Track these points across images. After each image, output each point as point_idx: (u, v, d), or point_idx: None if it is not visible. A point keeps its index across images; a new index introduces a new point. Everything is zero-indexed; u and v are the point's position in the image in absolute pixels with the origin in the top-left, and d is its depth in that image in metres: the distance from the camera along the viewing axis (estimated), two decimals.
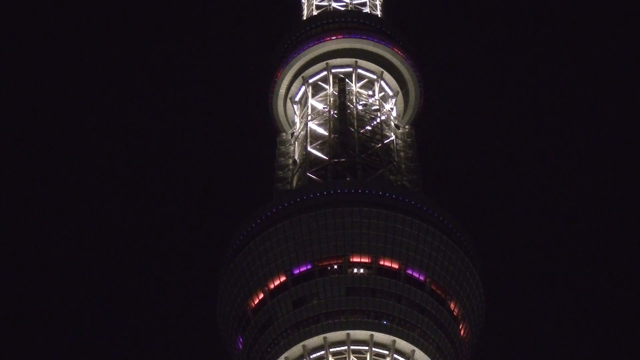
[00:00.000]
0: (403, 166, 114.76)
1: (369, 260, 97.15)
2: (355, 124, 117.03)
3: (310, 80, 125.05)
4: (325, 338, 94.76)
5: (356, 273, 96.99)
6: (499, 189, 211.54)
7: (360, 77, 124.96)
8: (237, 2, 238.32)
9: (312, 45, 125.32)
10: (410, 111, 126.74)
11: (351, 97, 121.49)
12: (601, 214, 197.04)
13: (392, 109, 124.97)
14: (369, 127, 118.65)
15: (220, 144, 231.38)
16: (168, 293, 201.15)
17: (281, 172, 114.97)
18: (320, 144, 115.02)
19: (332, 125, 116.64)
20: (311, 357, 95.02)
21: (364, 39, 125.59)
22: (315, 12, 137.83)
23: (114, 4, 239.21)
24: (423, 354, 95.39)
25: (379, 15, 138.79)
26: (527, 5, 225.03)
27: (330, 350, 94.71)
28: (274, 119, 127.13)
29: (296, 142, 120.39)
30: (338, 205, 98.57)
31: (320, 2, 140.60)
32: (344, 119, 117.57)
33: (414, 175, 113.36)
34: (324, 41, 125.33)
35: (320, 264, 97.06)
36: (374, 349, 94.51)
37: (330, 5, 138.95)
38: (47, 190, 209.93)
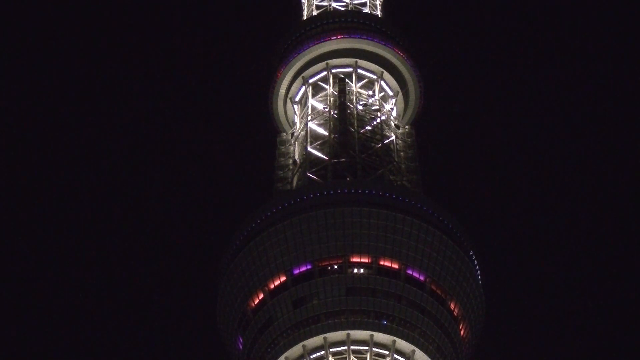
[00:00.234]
0: (403, 166, 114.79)
1: (369, 260, 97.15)
2: (355, 124, 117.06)
3: (311, 80, 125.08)
4: (325, 338, 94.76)
5: (356, 273, 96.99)
6: (499, 189, 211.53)
7: (360, 77, 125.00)
8: (237, 2, 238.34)
9: (312, 45, 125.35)
10: (410, 111, 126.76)
11: (351, 97, 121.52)
12: (601, 214, 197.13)
13: (392, 109, 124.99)
14: (369, 127, 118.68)
15: (220, 144, 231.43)
16: (168, 293, 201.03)
17: (281, 172, 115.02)
18: (320, 144, 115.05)
19: (332, 125, 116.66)
20: (311, 357, 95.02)
21: (364, 39, 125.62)
22: (315, 12, 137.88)
23: (114, 4, 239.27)
24: (423, 354, 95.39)
25: (379, 15, 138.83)
26: (527, 5, 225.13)
27: (330, 350, 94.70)
28: (274, 119, 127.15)
29: (296, 142, 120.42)
30: (338, 205, 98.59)
31: (320, 2, 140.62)
32: (344, 119, 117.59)
33: (414, 175, 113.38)
34: (324, 41, 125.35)
35: (320, 264, 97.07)
36: (374, 349, 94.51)
37: (330, 5, 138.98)
38: (47, 191, 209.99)
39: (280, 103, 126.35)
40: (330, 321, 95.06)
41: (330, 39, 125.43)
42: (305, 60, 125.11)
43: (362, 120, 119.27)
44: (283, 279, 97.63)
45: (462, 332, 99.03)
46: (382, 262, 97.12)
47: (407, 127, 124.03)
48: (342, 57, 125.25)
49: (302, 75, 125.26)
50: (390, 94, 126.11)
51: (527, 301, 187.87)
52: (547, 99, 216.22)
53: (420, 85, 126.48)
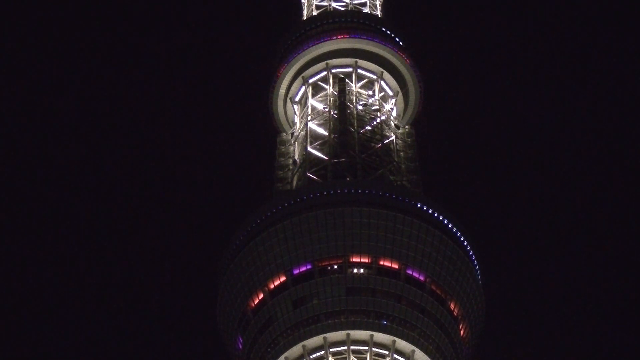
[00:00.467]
0: (403, 166, 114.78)
1: (369, 260, 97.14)
2: (355, 124, 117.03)
3: (310, 80, 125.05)
4: (325, 338, 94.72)
5: (356, 273, 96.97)
6: (499, 189, 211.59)
7: (360, 77, 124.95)
8: (238, 2, 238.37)
9: (312, 45, 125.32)
10: (410, 111, 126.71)
11: (351, 97, 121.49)
12: (601, 214, 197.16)
13: (392, 109, 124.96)
14: (369, 127, 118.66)
15: (220, 144, 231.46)
16: (168, 293, 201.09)
17: (281, 172, 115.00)
18: (320, 144, 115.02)
19: (332, 125, 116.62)
20: (311, 357, 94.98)
21: (364, 39, 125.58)
22: (315, 12, 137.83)
23: (113, 4, 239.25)
24: (423, 354, 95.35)
25: (379, 15, 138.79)
26: (527, 5, 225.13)
27: (330, 350, 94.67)
28: (274, 119, 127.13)
29: (296, 142, 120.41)
30: (338, 205, 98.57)
31: (320, 2, 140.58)
32: (344, 119, 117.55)
33: (414, 175, 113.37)
34: (324, 41, 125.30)
35: (320, 264, 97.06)
36: (374, 349, 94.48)
37: (330, 5, 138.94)
38: (47, 191, 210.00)
39: (280, 103, 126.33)
40: (330, 321, 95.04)
41: (330, 39, 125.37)
42: (305, 60, 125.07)
43: (362, 120, 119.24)
44: (283, 279, 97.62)
45: (462, 332, 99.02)
46: (382, 262, 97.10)
47: (407, 127, 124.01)
48: (342, 57, 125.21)
49: (302, 75, 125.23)
50: (390, 94, 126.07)
51: (527, 301, 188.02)
52: (547, 99, 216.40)
53: (420, 85, 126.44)
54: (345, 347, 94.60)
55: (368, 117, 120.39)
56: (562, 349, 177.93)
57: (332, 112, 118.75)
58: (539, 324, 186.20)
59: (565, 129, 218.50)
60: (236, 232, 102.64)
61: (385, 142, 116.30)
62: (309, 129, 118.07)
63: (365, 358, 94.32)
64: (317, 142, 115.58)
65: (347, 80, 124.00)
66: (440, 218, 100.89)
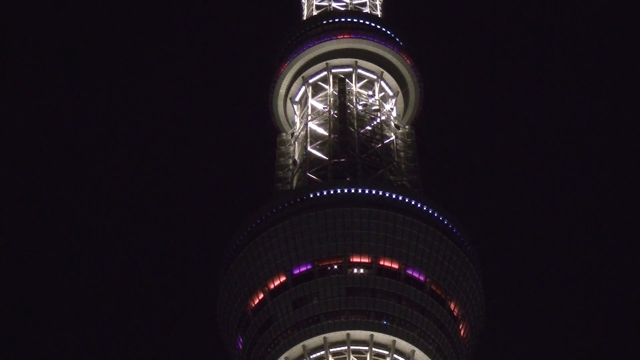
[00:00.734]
0: (403, 166, 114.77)
1: (369, 260, 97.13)
2: (355, 124, 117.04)
3: (310, 80, 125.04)
4: (325, 338, 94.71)
5: (356, 273, 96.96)
6: (499, 189, 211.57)
7: (360, 77, 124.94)
8: (238, 2, 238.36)
9: (312, 45, 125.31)
10: (410, 111, 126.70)
11: (351, 97, 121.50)
12: (601, 214, 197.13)
13: (392, 109, 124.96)
14: (369, 127, 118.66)
15: (220, 144, 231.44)
16: (168, 293, 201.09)
17: (281, 172, 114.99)
18: (320, 144, 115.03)
19: (332, 125, 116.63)
20: (311, 357, 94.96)
21: (364, 39, 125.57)
22: (315, 12, 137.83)
23: (113, 4, 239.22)
24: (423, 354, 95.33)
25: (379, 15, 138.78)
26: (526, 5, 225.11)
27: (330, 350, 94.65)
28: (274, 119, 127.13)
29: (296, 142, 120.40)
30: (338, 205, 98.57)
31: (320, 2, 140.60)
32: (344, 119, 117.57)
33: (414, 176, 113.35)
34: (324, 41, 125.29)
35: (320, 264, 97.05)
36: (374, 349, 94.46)
37: (330, 5, 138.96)
38: (47, 191, 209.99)
39: (280, 103, 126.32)
40: (330, 321, 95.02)
41: (330, 39, 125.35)
42: (305, 60, 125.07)
43: (362, 120, 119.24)
44: (283, 279, 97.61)
45: (462, 332, 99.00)
46: (382, 262, 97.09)
47: (407, 127, 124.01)
48: (342, 57, 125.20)
49: (302, 75, 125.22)
50: (390, 94, 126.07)
51: (527, 301, 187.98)
52: (547, 99, 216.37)
53: (420, 85, 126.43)
54: (346, 347, 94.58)
55: (368, 117, 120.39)
56: (562, 349, 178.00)
57: (332, 112, 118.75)
58: (539, 324, 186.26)
59: (566, 128, 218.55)
60: (236, 232, 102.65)
61: (385, 142, 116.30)
62: (309, 129, 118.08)
63: (366, 358, 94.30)
64: (317, 142, 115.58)
65: (347, 80, 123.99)
66: (440, 218, 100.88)
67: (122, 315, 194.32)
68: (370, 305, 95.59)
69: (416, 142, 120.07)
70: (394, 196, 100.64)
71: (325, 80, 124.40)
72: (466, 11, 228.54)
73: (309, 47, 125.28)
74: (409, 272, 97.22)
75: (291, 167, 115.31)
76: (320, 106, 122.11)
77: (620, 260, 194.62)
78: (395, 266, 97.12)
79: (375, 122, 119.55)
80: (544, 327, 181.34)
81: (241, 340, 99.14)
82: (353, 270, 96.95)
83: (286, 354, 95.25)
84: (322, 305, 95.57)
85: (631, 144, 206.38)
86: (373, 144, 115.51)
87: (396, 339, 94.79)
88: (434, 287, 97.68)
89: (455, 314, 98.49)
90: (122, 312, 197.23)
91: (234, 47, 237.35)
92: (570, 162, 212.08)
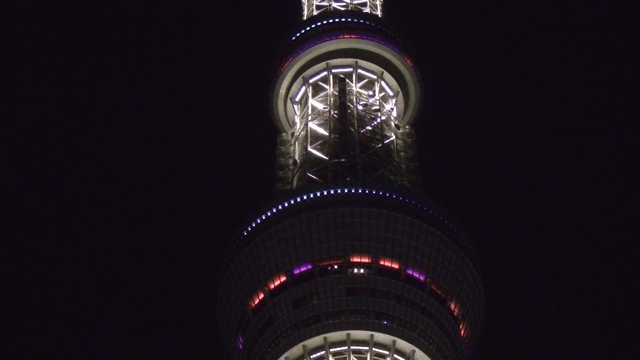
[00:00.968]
0: (403, 166, 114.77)
1: (369, 260, 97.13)
2: (356, 124, 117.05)
3: (311, 80, 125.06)
4: (325, 338, 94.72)
5: (356, 273, 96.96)
6: (499, 188, 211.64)
7: (360, 77, 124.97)
8: (237, 2, 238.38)
9: (312, 45, 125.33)
10: (410, 111, 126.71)
11: (351, 97, 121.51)
12: (601, 214, 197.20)
13: (392, 109, 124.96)
14: (369, 127, 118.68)
15: (220, 144, 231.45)
16: (168, 293, 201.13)
17: (281, 172, 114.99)
18: (320, 144, 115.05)
19: (332, 125, 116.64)
20: (311, 357, 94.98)
21: (365, 39, 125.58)
22: (315, 12, 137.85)
23: (114, 4, 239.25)
24: (423, 354, 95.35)
25: (379, 15, 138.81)
26: (526, 5, 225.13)
27: (331, 350, 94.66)
28: (274, 119, 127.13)
29: (296, 142, 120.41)
30: (338, 205, 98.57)
31: (320, 2, 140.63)
32: (344, 119, 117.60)
33: (414, 175, 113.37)
34: (324, 41, 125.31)
35: (320, 264, 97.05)
36: (374, 349, 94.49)
37: (330, 5, 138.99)
38: (47, 190, 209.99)
39: (280, 103, 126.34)
40: (330, 321, 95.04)
41: (331, 39, 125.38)
42: (305, 60, 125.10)
43: (362, 120, 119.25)
44: (283, 279, 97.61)
45: (462, 332, 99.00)
46: (382, 262, 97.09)
47: (407, 127, 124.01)
48: (342, 57, 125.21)
49: (302, 75, 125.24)
50: (391, 94, 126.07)
51: (527, 301, 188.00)
52: (547, 99, 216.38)
53: (421, 85, 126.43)
54: (346, 347, 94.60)
55: (368, 117, 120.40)
56: (562, 349, 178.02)
57: (332, 112, 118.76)
58: (539, 324, 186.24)
59: (566, 128, 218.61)
60: (236, 232, 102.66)
61: (385, 142, 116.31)
62: (309, 129, 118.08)
63: (366, 358, 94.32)
64: (317, 142, 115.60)
65: (347, 80, 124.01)
66: (440, 218, 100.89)
67: (122, 315, 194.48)
68: (371, 305, 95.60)
69: (416, 142, 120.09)
70: (394, 196, 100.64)
71: (325, 80, 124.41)
72: (466, 11, 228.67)
73: (309, 47, 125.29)
74: (409, 272, 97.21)
75: (291, 167, 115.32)
76: (320, 106, 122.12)
77: (620, 260, 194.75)
78: (396, 266, 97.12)
79: (375, 122, 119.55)
80: (544, 327, 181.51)
81: (241, 340, 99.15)
82: (353, 270, 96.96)
83: (286, 354, 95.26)
84: (322, 305, 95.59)
85: (631, 144, 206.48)
86: (373, 144, 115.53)
87: (396, 339, 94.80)
88: (434, 287, 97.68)
89: (455, 314, 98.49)
90: (122, 312, 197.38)
91: (234, 47, 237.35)
92: (570, 162, 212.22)
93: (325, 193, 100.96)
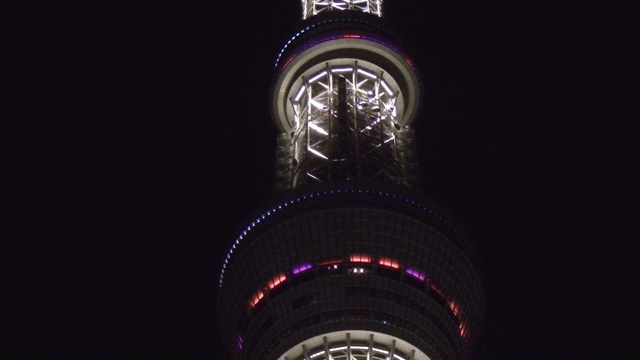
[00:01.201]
0: (403, 166, 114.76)
1: (369, 260, 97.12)
2: (355, 124, 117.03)
3: (310, 80, 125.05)
4: (325, 338, 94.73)
5: (356, 273, 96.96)
6: (499, 188, 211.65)
7: (360, 77, 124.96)
8: (237, 2, 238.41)
9: (312, 45, 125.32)
10: (410, 111, 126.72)
11: (351, 97, 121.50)
12: (601, 214, 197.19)
13: (392, 109, 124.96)
14: (369, 127, 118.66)
15: (220, 144, 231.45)
16: (168, 293, 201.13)
17: (281, 172, 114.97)
18: (320, 144, 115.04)
19: (332, 125, 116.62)
20: (311, 357, 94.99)
21: (364, 39, 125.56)
22: (315, 12, 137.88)
23: (114, 4, 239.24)
24: (423, 354, 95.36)
25: (379, 15, 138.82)
26: (526, 4, 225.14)
27: (330, 350, 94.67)
28: (273, 119, 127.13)
29: (296, 142, 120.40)
30: (338, 205, 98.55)
31: (320, 2, 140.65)
32: (344, 119, 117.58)
33: (414, 175, 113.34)
34: (324, 41, 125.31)
35: (320, 264, 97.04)
36: (374, 349, 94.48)
37: (330, 5, 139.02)
38: (47, 190, 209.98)
39: (280, 103, 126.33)
40: (330, 321, 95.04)
41: (331, 39, 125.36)
42: (305, 60, 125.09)
43: (362, 120, 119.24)
44: (283, 278, 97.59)
45: (462, 332, 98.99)
46: (382, 262, 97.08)
47: (407, 127, 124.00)
48: (342, 57, 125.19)
49: (302, 75, 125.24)
50: (390, 94, 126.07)
51: (527, 301, 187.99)
52: (547, 99, 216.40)
53: (420, 85, 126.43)
54: (345, 347, 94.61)
55: (368, 117, 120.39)
56: (562, 349, 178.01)
57: (332, 112, 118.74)
58: (539, 324, 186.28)
59: (566, 129, 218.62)
60: (236, 232, 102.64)
61: (385, 142, 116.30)
62: (309, 129, 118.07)
63: (365, 358, 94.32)
64: (317, 142, 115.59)
65: (347, 80, 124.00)
66: (440, 218, 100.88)
67: (122, 315, 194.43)
68: (370, 305, 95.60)
69: (416, 142, 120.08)
70: (394, 196, 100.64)
71: (325, 80, 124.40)
72: (466, 11, 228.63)
73: (309, 47, 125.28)
74: (409, 272, 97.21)
75: (291, 167, 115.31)
76: (320, 106, 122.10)
77: (620, 260, 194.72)
78: (395, 266, 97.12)
79: (375, 122, 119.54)
80: (544, 327, 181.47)
81: (241, 340, 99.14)
82: (353, 270, 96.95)
83: (286, 354, 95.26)
84: (322, 305, 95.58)
85: (631, 144, 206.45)
86: (373, 144, 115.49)
87: (396, 338, 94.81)
88: (434, 287, 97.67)
89: (455, 313, 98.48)
90: (122, 312, 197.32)
91: (234, 47, 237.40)
92: (570, 162, 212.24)
93: (325, 193, 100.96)
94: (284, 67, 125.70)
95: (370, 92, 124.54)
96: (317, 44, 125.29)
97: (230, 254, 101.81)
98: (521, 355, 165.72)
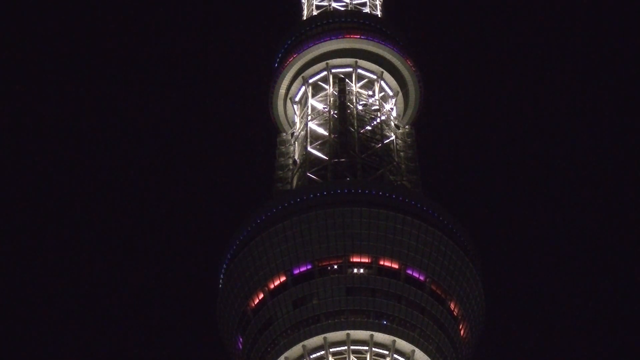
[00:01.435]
0: (403, 166, 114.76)
1: (369, 260, 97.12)
2: (355, 124, 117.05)
3: (310, 80, 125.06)
4: (325, 338, 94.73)
5: (356, 273, 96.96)
6: (499, 189, 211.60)
7: (360, 77, 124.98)
8: (238, 2, 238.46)
9: (312, 45, 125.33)
10: (410, 111, 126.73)
11: (351, 97, 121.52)
12: (601, 214, 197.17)
13: (392, 109, 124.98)
14: (369, 127, 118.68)
15: (220, 144, 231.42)
16: (168, 293, 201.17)
17: (281, 172, 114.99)
18: (320, 144, 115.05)
19: (332, 125, 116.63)
20: (311, 357, 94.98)
21: (364, 39, 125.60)
22: (315, 12, 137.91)
23: (114, 4, 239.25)
24: (423, 354, 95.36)
25: (379, 15, 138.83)
26: (526, 4, 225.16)
27: (330, 350, 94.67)
28: (274, 119, 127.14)
29: (296, 142, 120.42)
30: (338, 205, 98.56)
31: (320, 2, 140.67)
32: (344, 119, 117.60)
33: (414, 176, 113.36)
34: (324, 41, 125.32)
35: (320, 264, 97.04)
36: (374, 349, 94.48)
37: (330, 5, 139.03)
38: (47, 190, 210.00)
39: (280, 103, 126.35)
40: (330, 321, 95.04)
41: (330, 39, 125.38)
42: (305, 60, 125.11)
43: (362, 120, 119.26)
44: (283, 279, 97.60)
45: (462, 332, 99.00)
46: (382, 262, 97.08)
47: (407, 127, 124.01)
48: (342, 57, 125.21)
49: (302, 75, 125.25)
50: (390, 94, 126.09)
51: (527, 301, 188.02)
52: (547, 99, 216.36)
53: (420, 85, 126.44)
54: (345, 347, 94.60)
55: (368, 117, 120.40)
56: (562, 349, 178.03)
57: (332, 112, 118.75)
58: (539, 324, 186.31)
59: (566, 129, 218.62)
60: (236, 232, 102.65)
61: (385, 142, 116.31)
62: (309, 129, 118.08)
63: (365, 358, 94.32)
64: (317, 142, 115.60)
65: (347, 80, 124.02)
66: (440, 218, 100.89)
67: (122, 315, 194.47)
68: (370, 305, 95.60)
69: (416, 142, 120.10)
70: (394, 196, 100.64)
71: (325, 80, 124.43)
72: (466, 11, 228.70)
73: (309, 47, 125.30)
74: (409, 272, 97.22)
75: (291, 167, 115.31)
76: (320, 106, 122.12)
77: (620, 260, 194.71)
78: (395, 266, 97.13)
79: (375, 122, 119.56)
80: (544, 327, 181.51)
81: (241, 340, 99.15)
82: (353, 270, 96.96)
83: (286, 354, 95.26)
84: (322, 305, 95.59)
85: (631, 144, 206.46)
86: (373, 144, 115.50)
87: (396, 338, 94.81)
88: (434, 287, 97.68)
89: (455, 313, 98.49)
90: (122, 312, 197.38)
91: (234, 47, 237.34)
92: (570, 162, 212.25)
93: (325, 193, 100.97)
94: (284, 67, 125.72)
95: (370, 92, 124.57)
96: (317, 44, 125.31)
97: (230, 254, 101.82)
98: (521, 355, 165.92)
